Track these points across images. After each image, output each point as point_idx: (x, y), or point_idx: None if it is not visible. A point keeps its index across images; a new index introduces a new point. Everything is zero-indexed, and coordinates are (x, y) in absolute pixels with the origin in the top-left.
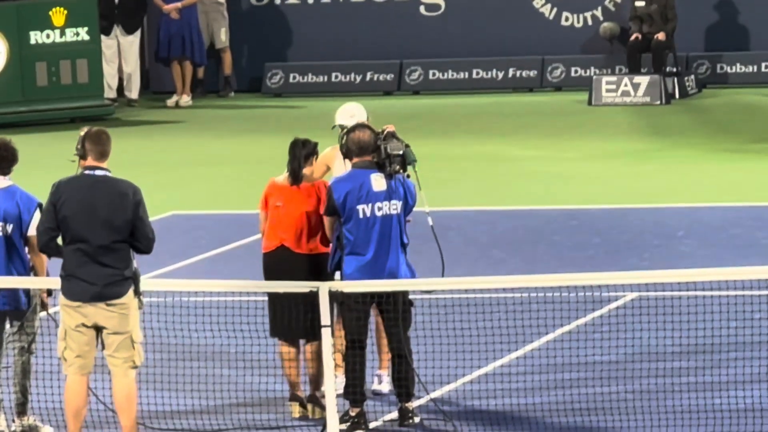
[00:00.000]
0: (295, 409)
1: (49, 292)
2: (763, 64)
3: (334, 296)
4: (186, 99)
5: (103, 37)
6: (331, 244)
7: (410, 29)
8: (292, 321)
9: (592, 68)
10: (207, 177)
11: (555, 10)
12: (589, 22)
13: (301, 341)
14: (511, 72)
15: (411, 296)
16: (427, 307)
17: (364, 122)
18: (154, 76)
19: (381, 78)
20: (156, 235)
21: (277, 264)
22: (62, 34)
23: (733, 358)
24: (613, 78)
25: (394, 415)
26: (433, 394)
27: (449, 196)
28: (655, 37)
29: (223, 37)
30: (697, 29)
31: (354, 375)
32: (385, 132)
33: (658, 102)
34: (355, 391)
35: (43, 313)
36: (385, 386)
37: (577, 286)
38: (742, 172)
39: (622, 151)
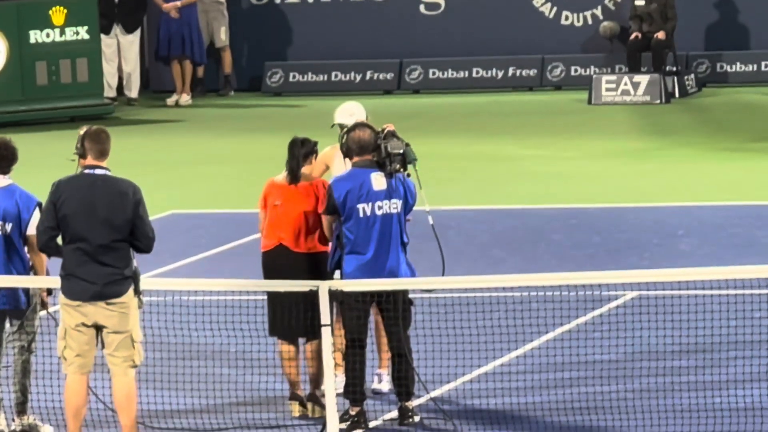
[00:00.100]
0: (295, 408)
1: (49, 291)
2: (763, 64)
3: (334, 295)
4: (186, 98)
5: (102, 36)
6: (330, 243)
7: (410, 28)
8: (292, 320)
9: (592, 67)
10: (207, 176)
11: (555, 9)
12: (589, 21)
13: (301, 340)
14: (510, 71)
15: (411, 295)
16: (427, 306)
17: (364, 121)
18: (153, 75)
19: (381, 77)
20: (156, 234)
21: (275, 263)
22: (62, 33)
23: (733, 356)
24: (613, 77)
25: (394, 414)
26: (433, 393)
27: (449, 195)
28: (655, 36)
29: (222, 36)
30: (697, 28)
31: (354, 374)
32: (385, 131)
33: (658, 101)
34: (355, 390)
35: (43, 312)
36: (385, 385)
37: (577, 285)
38: (742, 171)
39: (622, 150)
